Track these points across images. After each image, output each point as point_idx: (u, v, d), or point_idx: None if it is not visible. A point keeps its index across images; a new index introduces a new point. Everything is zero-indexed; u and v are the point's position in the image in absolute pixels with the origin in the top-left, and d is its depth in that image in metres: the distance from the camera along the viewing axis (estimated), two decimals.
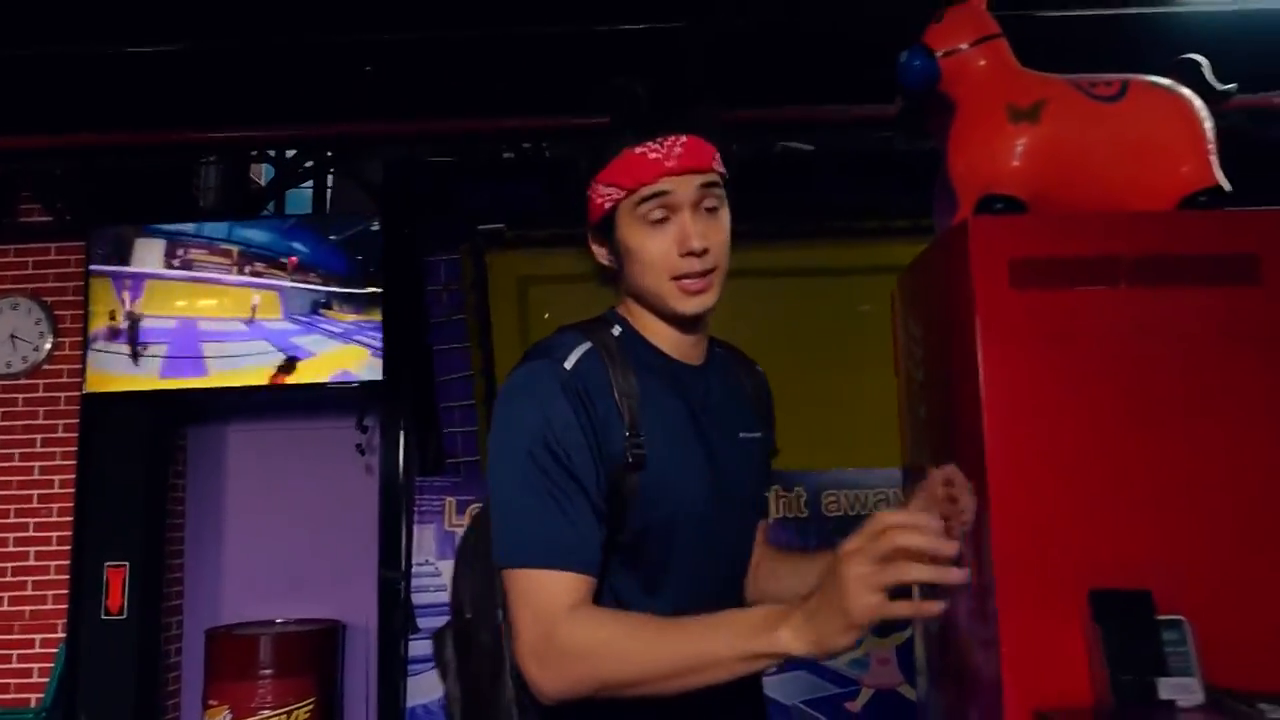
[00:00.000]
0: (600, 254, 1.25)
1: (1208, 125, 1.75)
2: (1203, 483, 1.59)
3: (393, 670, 3.77)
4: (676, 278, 1.18)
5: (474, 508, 3.85)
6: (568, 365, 1.15)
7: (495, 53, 3.44)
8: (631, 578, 1.17)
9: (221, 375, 3.93)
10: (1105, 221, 1.68)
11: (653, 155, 1.15)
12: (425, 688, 3.62)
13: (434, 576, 3.73)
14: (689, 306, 1.19)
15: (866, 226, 4.18)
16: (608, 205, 1.18)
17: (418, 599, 3.70)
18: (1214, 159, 1.74)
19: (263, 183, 4.83)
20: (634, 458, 1.12)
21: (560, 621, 1.05)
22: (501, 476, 1.13)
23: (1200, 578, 1.54)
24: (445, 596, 3.76)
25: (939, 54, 1.80)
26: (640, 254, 1.17)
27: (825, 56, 3.30)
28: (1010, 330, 1.61)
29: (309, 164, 4.28)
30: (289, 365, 3.91)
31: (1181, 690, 1.40)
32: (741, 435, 1.29)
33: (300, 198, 4.64)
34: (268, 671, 3.71)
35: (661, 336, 1.24)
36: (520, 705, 1.18)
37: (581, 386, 1.13)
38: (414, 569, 3.73)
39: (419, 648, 3.66)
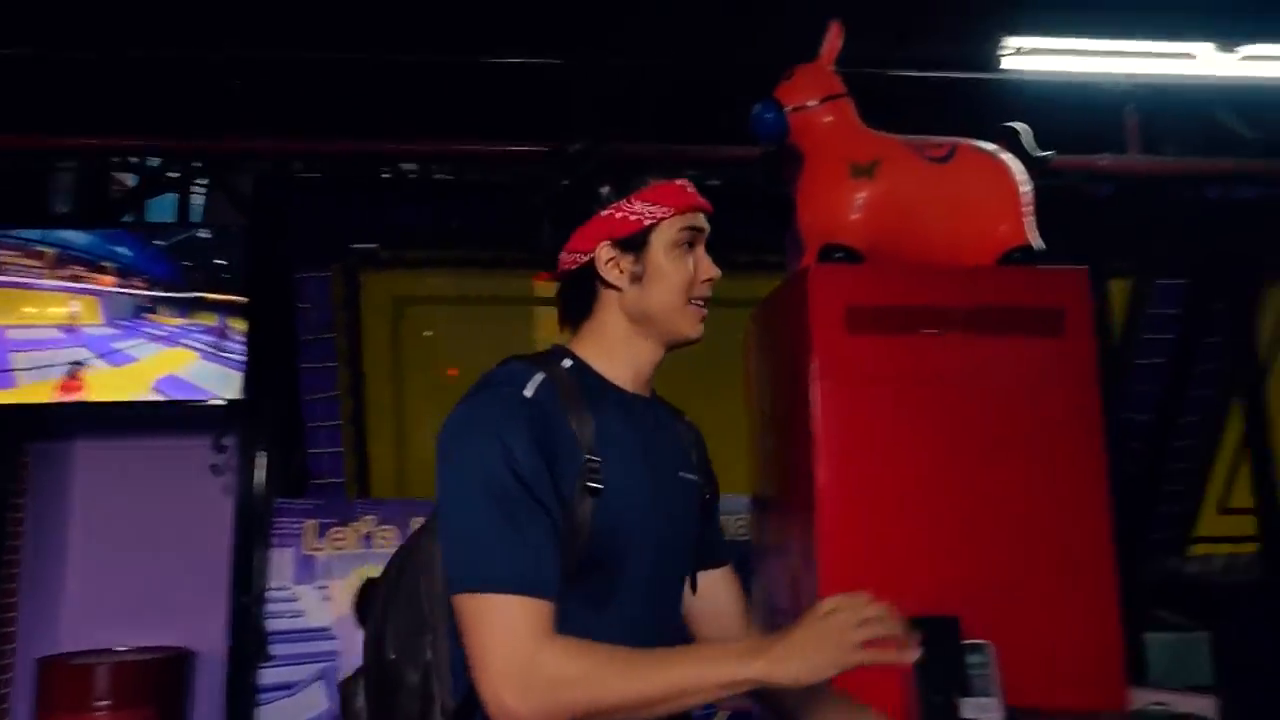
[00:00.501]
0: (619, 263, 1.23)
1: (1025, 189, 1.92)
2: (1010, 516, 1.73)
3: (244, 700, 3.64)
4: (692, 300, 1.25)
5: (387, 530, 3.78)
6: (526, 393, 1.15)
7: (377, 75, 3.43)
8: (582, 603, 1.16)
9: (31, 388, 3.69)
10: (932, 274, 1.82)
11: (690, 189, 1.25)
12: (277, 718, 3.51)
13: (290, 602, 3.63)
14: (697, 330, 1.27)
15: (739, 259, 4.34)
16: (646, 222, 1.22)
17: (272, 625, 3.59)
18: (1029, 220, 1.90)
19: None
20: (591, 484, 1.13)
21: (540, 648, 1.06)
22: (461, 503, 1.12)
23: (1004, 604, 1.67)
24: (302, 622, 3.69)
25: (788, 109, 1.91)
26: (671, 273, 1.23)
27: (696, 98, 3.43)
28: (844, 372, 1.72)
29: (176, 174, 4.14)
30: (74, 373, 3.71)
31: (982, 709, 1.52)
32: (680, 474, 1.30)
33: (163, 207, 4.47)
34: (104, 703, 3.51)
35: (618, 367, 1.25)
36: None
37: (540, 414, 1.13)
38: (269, 594, 3.62)
39: (271, 676, 3.54)
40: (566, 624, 1.11)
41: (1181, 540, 5.04)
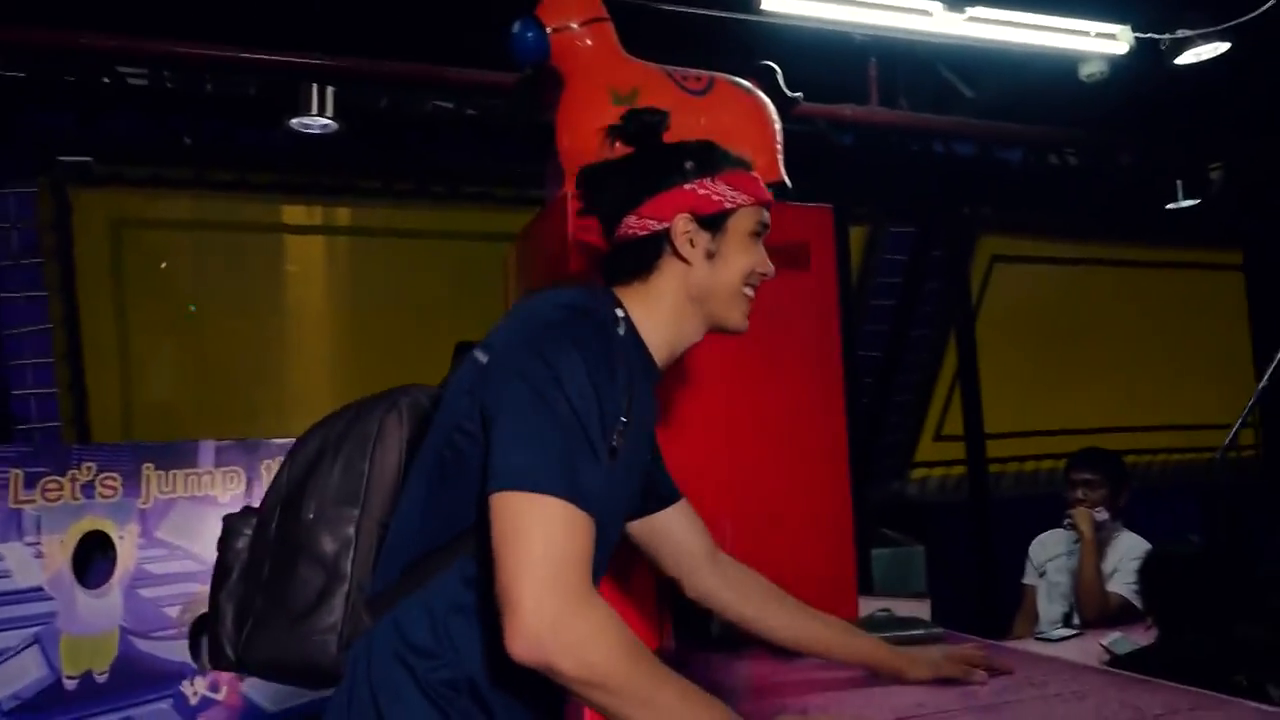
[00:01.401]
0: (696, 239, 1.23)
1: (777, 126, 1.97)
2: (759, 440, 1.80)
3: None
4: (748, 288, 1.27)
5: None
6: (620, 331, 1.17)
7: None
8: None
9: None
10: None
11: (763, 184, 1.29)
12: None
13: None
14: (745, 322, 1.29)
15: (501, 194, 4.25)
16: (728, 206, 1.23)
17: None
18: (780, 156, 1.96)
19: None
20: (614, 447, 1.09)
21: (590, 586, 0.98)
22: (545, 408, 1.03)
23: (754, 523, 1.75)
24: (10, 584, 3.28)
25: (549, 29, 1.84)
26: (740, 260, 1.24)
27: (449, 17, 3.27)
28: None
29: None
30: None
31: (728, 627, 1.59)
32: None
33: None
34: None
35: (660, 338, 1.24)
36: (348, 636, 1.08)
37: (621, 358, 1.12)
38: None
39: None
40: None
41: (903, 465, 5.58)
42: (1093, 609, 2.80)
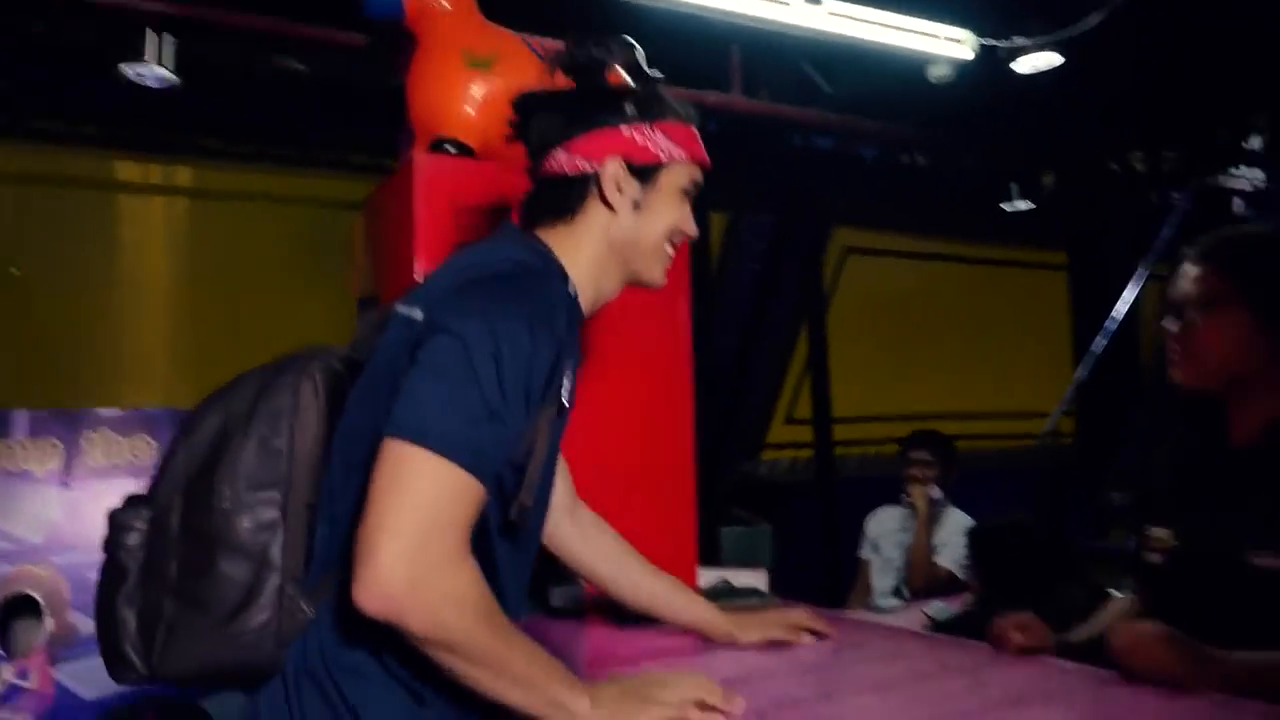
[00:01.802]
0: (625, 186, 1.17)
1: None
2: (610, 422, 1.81)
3: None
4: (670, 245, 1.23)
5: None
6: (572, 292, 1.15)
7: None
8: (504, 531, 1.08)
9: None
10: None
11: (700, 142, 1.23)
12: None
13: None
14: (664, 278, 1.25)
15: (354, 161, 4.10)
16: (663, 158, 1.19)
17: None
18: None
19: None
20: (565, 401, 1.09)
21: (462, 547, 0.96)
22: (459, 365, 0.98)
23: (601, 501, 1.76)
24: None
25: None
26: (666, 216, 1.20)
27: None
28: None
29: None
30: None
31: (567, 597, 1.60)
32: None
33: None
34: None
35: (585, 286, 1.19)
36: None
37: (564, 318, 1.09)
38: None
39: None
40: (485, 534, 1.03)
41: (755, 447, 5.75)
42: (921, 580, 2.97)
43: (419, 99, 1.81)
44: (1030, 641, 1.26)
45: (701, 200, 1.31)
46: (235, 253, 3.97)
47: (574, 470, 1.77)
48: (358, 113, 3.70)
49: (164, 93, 3.21)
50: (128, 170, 4.09)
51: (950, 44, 3.14)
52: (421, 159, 1.70)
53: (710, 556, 3.45)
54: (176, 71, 3.07)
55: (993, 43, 3.32)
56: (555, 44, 1.91)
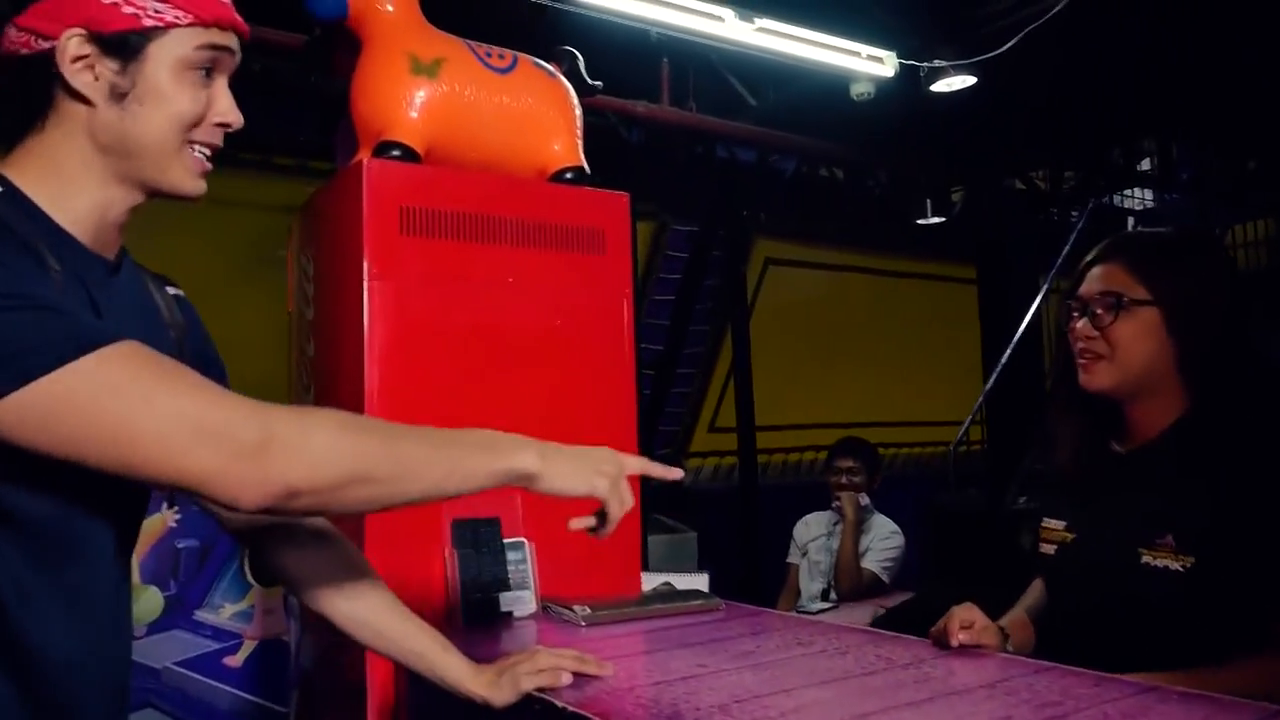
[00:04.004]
0: (96, 68, 0.89)
1: (578, 112, 2.00)
2: (551, 421, 1.81)
3: None
4: (194, 144, 0.95)
5: None
6: (29, 214, 0.88)
7: None
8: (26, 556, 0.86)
9: None
10: (489, 183, 1.83)
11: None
12: None
13: None
14: (196, 184, 0.96)
15: (279, 162, 4.02)
16: (147, 23, 0.89)
17: None
18: (580, 142, 1.99)
19: None
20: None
21: (241, 398, 0.82)
22: None
23: (542, 503, 1.76)
24: None
25: None
26: (173, 100, 0.91)
27: None
28: (396, 273, 1.67)
29: None
30: None
31: (518, 602, 1.60)
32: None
33: None
34: None
35: (74, 208, 0.91)
36: None
37: (12, 249, 0.83)
38: None
39: None
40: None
41: (679, 455, 5.81)
42: (849, 583, 3.06)
43: (363, 103, 1.80)
44: (976, 639, 1.29)
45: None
46: (155, 256, 3.83)
47: None
48: (285, 111, 3.64)
49: None
50: None
51: (872, 62, 3.26)
52: (370, 163, 1.68)
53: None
54: None
55: (913, 63, 3.45)
56: (500, 51, 1.93)
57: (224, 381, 1.09)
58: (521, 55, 1.95)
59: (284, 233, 2.12)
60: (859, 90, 3.53)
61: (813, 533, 3.35)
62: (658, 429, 5.72)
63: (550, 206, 1.88)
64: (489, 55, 1.89)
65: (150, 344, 0.86)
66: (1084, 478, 1.40)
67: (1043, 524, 1.44)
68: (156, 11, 0.89)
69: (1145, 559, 1.26)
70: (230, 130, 0.97)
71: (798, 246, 6.02)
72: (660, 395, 5.70)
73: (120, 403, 0.77)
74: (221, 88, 0.95)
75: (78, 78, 0.88)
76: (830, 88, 3.61)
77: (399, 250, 1.68)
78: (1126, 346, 1.30)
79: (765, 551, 4.54)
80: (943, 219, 5.32)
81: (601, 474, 1.01)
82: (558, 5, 2.78)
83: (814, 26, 3.13)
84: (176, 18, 0.90)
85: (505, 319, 1.78)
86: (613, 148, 4.05)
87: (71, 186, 0.91)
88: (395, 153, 1.74)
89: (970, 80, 3.54)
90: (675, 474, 1.07)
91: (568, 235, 1.88)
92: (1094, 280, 1.35)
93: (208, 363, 1.08)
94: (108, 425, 0.77)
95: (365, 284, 1.63)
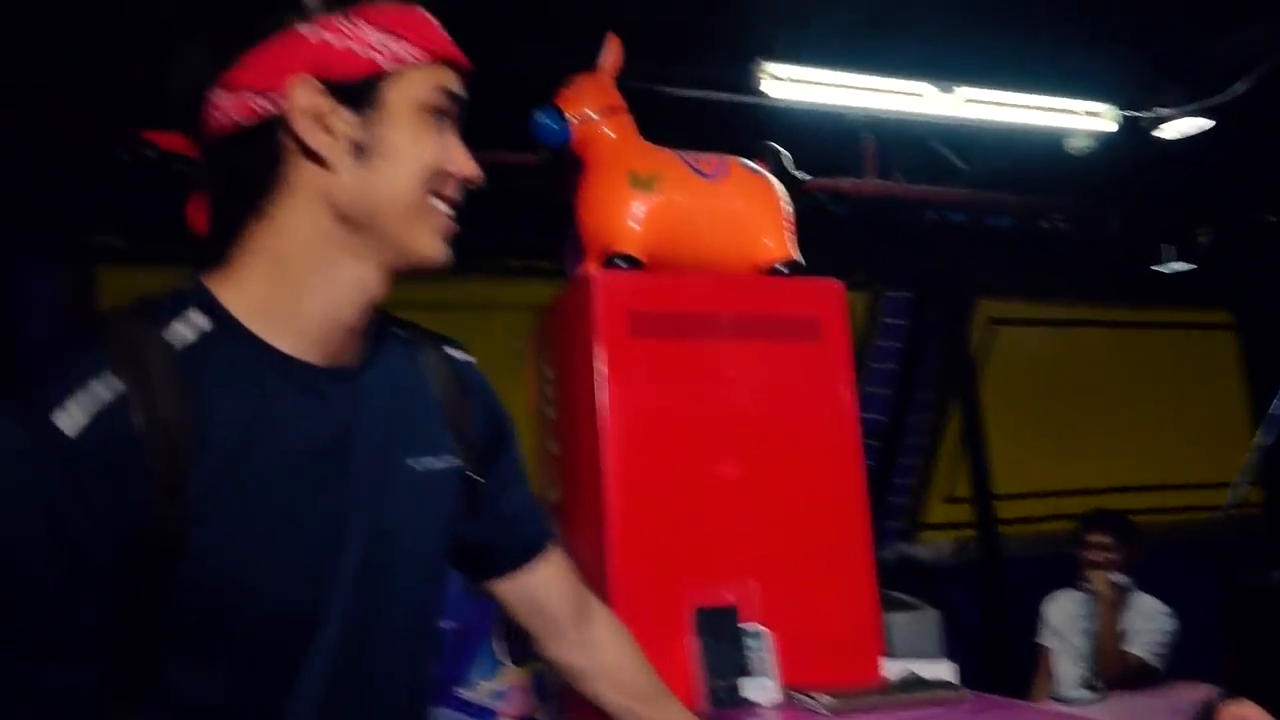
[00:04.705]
0: (331, 120, 0.75)
1: (787, 207, 2.08)
2: (780, 509, 1.86)
3: None
4: (438, 195, 0.81)
5: None
6: (65, 426, 0.67)
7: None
8: (214, 682, 0.74)
9: None
10: (707, 283, 1.93)
11: (440, 28, 0.82)
12: None
13: None
14: (439, 248, 0.82)
15: (511, 265, 4.36)
16: (382, 62, 0.76)
17: None
18: (791, 235, 2.06)
19: None
20: (169, 537, 0.69)
21: None
22: None
23: (776, 590, 1.80)
24: None
25: (571, 118, 1.95)
26: (414, 152, 0.78)
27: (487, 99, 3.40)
28: (628, 373, 1.79)
29: None
30: None
31: (761, 689, 1.63)
32: (414, 468, 0.85)
33: None
34: None
35: (296, 319, 0.77)
36: None
37: (98, 475, 0.67)
38: None
39: None
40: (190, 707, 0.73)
41: (911, 528, 5.59)
42: (1114, 670, 2.83)
43: (589, 219, 1.96)
44: None
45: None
46: None
47: (750, 559, 1.81)
48: (515, 220, 3.97)
49: None
50: None
51: (1089, 118, 3.13)
52: (598, 274, 1.83)
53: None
54: None
55: (1134, 114, 3.29)
56: (709, 157, 2.04)
57: (512, 450, 1.00)
58: (730, 159, 2.06)
59: (517, 329, 2.31)
60: (1077, 145, 3.39)
61: (1065, 612, 3.12)
62: (887, 501, 5.55)
63: (766, 299, 1.95)
64: (699, 163, 2.01)
65: (411, 432, 0.85)
66: None
67: None
68: (390, 50, 0.76)
69: None
70: (472, 187, 0.84)
71: (1024, 304, 5.73)
72: (887, 466, 5.54)
73: None
74: (455, 139, 0.82)
75: (315, 136, 0.74)
76: (1045, 143, 3.49)
77: (629, 351, 1.80)
78: None
79: (1012, 630, 4.27)
80: (1188, 264, 4.93)
81: None
82: (759, 101, 2.89)
83: (1021, 88, 3.06)
84: (411, 56, 0.77)
85: (732, 409, 1.86)
86: (819, 222, 4.10)
87: (303, 283, 0.77)
88: (620, 263, 1.89)
89: (1205, 124, 3.32)
90: None
91: (785, 325, 1.94)
92: None
93: (493, 427, 0.97)
94: None
95: (599, 384, 1.76)
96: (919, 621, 4.62)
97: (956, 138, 4.00)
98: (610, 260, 1.88)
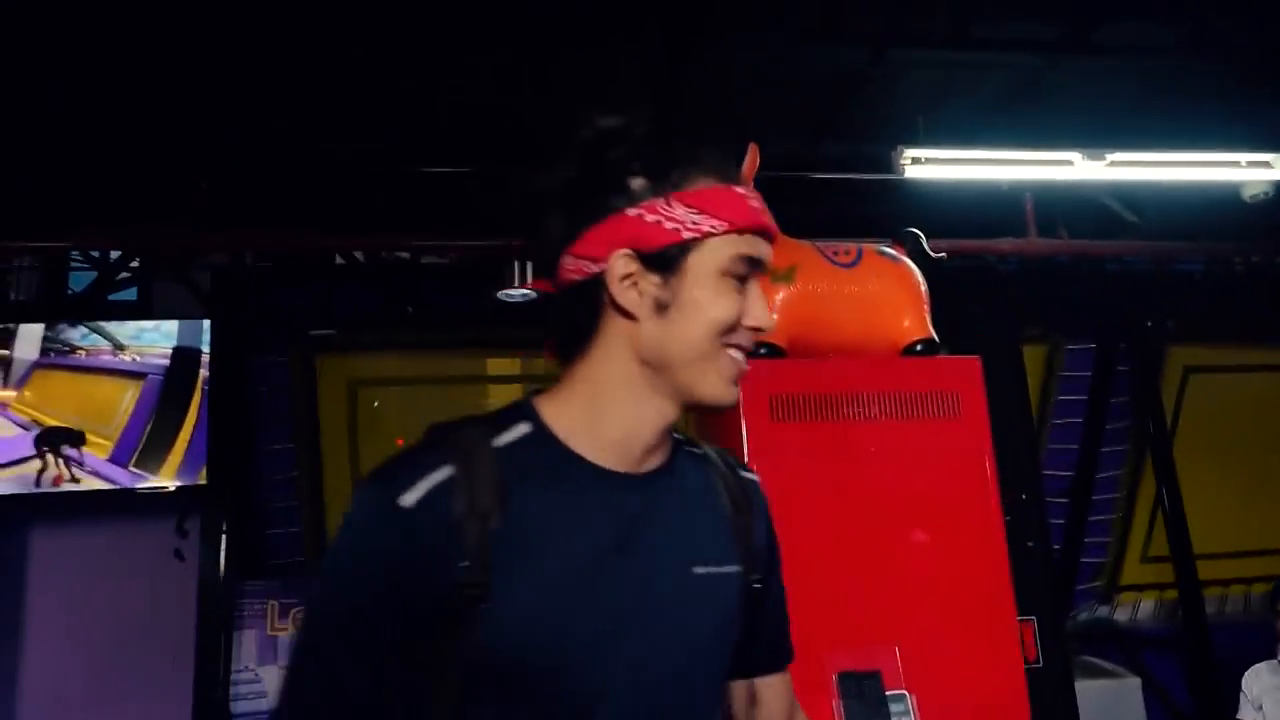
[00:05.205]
0: (640, 283, 0.92)
1: (924, 288, 2.19)
2: (922, 578, 1.96)
3: None
4: (729, 345, 0.95)
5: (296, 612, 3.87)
6: (405, 502, 0.86)
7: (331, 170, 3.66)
8: None
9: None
10: (845, 366, 2.07)
11: (755, 202, 0.95)
12: None
13: (254, 684, 3.70)
14: (726, 391, 0.96)
15: None
16: (686, 235, 0.91)
17: (237, 708, 3.66)
18: (927, 314, 2.17)
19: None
20: (467, 600, 0.84)
21: None
22: (305, 633, 0.90)
23: (921, 656, 1.89)
24: (267, 704, 3.74)
25: None
26: (707, 308, 0.92)
27: None
28: (771, 454, 1.96)
29: (132, 267, 4.29)
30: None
31: None
32: (697, 570, 0.96)
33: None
34: None
35: (603, 431, 0.94)
36: None
37: (418, 531, 0.85)
38: (234, 676, 3.69)
39: None
40: None
41: (1108, 589, 5.32)
42: None
43: None
44: None
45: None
46: None
47: (894, 630, 1.91)
48: None
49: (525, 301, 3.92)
50: (497, 365, 4.91)
51: (1258, 168, 3.03)
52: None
53: (1068, 716, 3.27)
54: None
55: None
56: (846, 246, 2.20)
57: (779, 568, 1.12)
58: (866, 246, 2.21)
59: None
60: (1253, 193, 3.27)
61: (1265, 684, 2.95)
62: (1079, 561, 5.32)
63: (904, 378, 2.07)
64: (836, 254, 2.17)
65: (696, 535, 0.98)
66: None
67: None
68: (694, 223, 0.91)
69: None
70: (762, 334, 0.99)
71: (1221, 350, 5.39)
72: (1077, 526, 5.32)
73: None
74: (755, 293, 0.96)
75: (625, 295, 0.91)
76: (1220, 195, 3.37)
77: (772, 434, 1.97)
78: None
79: (1214, 700, 4.00)
80: None
81: None
82: (908, 180, 3.00)
83: (1178, 144, 3.00)
84: (713, 227, 0.91)
85: (874, 486, 1.99)
86: (988, 279, 4.10)
87: (606, 408, 0.94)
88: (762, 351, 2.07)
89: None
90: None
91: (923, 402, 2.05)
92: None
93: (771, 543, 1.10)
94: None
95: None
96: (1120, 690, 4.39)
97: (1124, 191, 3.92)
98: (754, 351, 2.06)
